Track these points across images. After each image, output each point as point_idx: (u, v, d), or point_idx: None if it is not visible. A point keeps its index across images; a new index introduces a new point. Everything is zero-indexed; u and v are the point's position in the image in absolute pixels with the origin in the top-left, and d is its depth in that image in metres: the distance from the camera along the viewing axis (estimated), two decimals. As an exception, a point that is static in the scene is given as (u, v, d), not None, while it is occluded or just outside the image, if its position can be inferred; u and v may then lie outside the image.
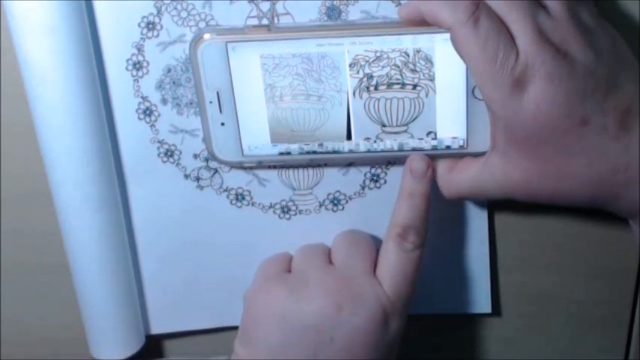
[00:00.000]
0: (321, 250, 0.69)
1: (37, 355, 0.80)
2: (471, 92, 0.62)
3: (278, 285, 0.66)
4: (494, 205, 0.71)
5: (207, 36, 0.62)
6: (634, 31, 0.64)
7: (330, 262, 0.68)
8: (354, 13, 0.64)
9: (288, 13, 0.64)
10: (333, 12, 0.64)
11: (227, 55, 0.63)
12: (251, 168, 0.69)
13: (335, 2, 0.63)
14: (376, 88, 0.63)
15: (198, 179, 0.70)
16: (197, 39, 0.62)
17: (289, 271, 0.68)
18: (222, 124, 0.65)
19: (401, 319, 0.66)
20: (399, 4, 0.63)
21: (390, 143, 0.65)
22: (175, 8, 0.64)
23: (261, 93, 0.64)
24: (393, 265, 0.65)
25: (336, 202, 0.71)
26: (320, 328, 0.63)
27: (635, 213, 0.59)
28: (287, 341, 0.64)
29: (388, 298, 0.64)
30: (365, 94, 0.63)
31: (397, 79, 0.62)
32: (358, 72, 0.62)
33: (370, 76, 0.62)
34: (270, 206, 0.71)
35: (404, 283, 0.65)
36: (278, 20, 0.64)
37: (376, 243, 0.69)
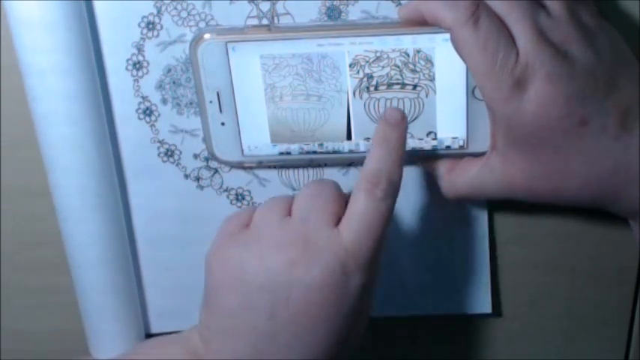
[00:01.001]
0: (282, 202, 0.63)
1: (37, 355, 0.80)
2: (471, 92, 0.62)
3: (233, 244, 0.62)
4: (495, 205, 0.71)
5: (207, 36, 0.62)
6: (634, 31, 0.64)
7: (290, 213, 0.63)
8: (354, 13, 0.64)
9: (288, 13, 0.64)
10: (333, 12, 0.64)
11: (227, 55, 0.63)
12: (251, 168, 0.69)
13: (335, 2, 0.64)
14: (376, 89, 0.63)
15: (198, 179, 0.70)
16: (197, 39, 0.63)
17: (249, 226, 0.64)
18: (223, 124, 0.65)
19: (364, 274, 0.60)
20: (399, 4, 0.63)
21: (390, 144, 0.65)
22: (175, 8, 0.64)
23: (261, 93, 0.64)
24: (359, 215, 0.59)
25: (336, 202, 0.71)
26: (274, 287, 0.59)
27: (635, 213, 0.59)
28: (243, 303, 0.60)
29: (348, 252, 0.59)
30: (365, 94, 0.63)
31: (397, 80, 0.62)
32: (358, 72, 0.62)
33: (370, 77, 0.62)
34: (270, 206, 0.71)
35: (369, 235, 0.59)
36: (278, 20, 0.64)
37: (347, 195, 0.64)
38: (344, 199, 0.62)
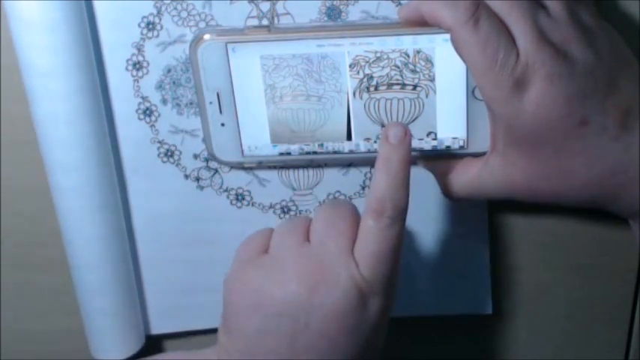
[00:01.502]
0: (299, 227, 0.64)
1: (37, 355, 0.80)
2: (471, 93, 0.62)
3: (252, 270, 0.62)
4: (495, 205, 0.71)
5: (207, 37, 0.62)
6: (634, 31, 0.64)
7: (308, 239, 0.63)
8: (354, 13, 0.64)
9: (288, 13, 0.64)
10: (333, 12, 0.64)
11: (227, 56, 0.63)
12: (251, 168, 0.69)
13: (335, 2, 0.63)
14: (376, 89, 0.63)
15: (198, 179, 0.70)
16: (197, 40, 0.62)
17: (267, 250, 0.64)
18: (223, 124, 0.65)
19: (381, 300, 0.61)
20: (399, 4, 0.63)
21: (390, 143, 0.65)
22: (175, 8, 0.64)
23: (261, 94, 0.64)
24: (370, 243, 0.60)
25: (336, 202, 0.71)
26: (294, 313, 0.60)
27: (635, 213, 0.59)
28: (263, 329, 0.61)
29: (364, 279, 0.60)
30: (365, 95, 0.63)
31: (397, 80, 0.62)
32: (358, 72, 0.62)
33: (370, 77, 0.62)
34: (271, 206, 0.71)
35: (381, 261, 0.60)
36: (278, 20, 0.64)
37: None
38: (358, 223, 0.62)
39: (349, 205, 0.64)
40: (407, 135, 0.60)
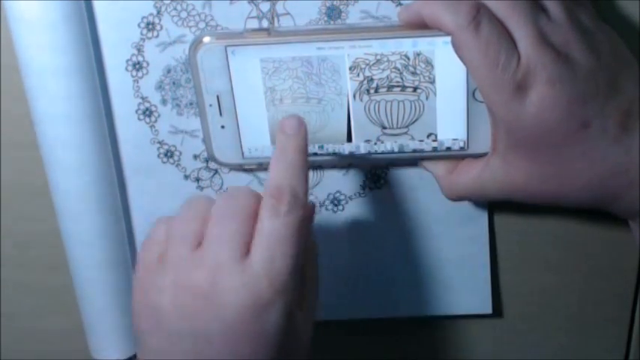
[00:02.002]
0: (194, 225, 0.60)
1: (37, 355, 0.80)
2: (471, 94, 0.62)
3: (148, 285, 0.59)
4: (495, 206, 0.71)
5: (206, 40, 0.62)
6: (634, 32, 0.64)
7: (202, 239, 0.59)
8: (354, 13, 0.64)
9: (288, 14, 0.64)
10: (333, 12, 0.64)
11: (227, 59, 0.62)
12: (251, 170, 0.69)
13: (335, 2, 0.63)
14: (376, 91, 0.63)
15: (198, 180, 0.70)
16: (197, 43, 0.62)
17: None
18: (223, 127, 0.65)
19: (285, 298, 0.57)
20: (399, 4, 0.63)
21: (390, 145, 0.65)
22: (175, 9, 0.64)
23: (261, 96, 0.64)
24: (267, 234, 0.57)
25: (336, 202, 0.71)
26: (193, 330, 0.57)
27: (635, 214, 0.59)
28: (166, 347, 0.58)
29: (261, 280, 0.56)
30: (365, 97, 0.63)
31: (397, 82, 0.62)
32: (358, 75, 0.62)
33: (370, 79, 0.62)
34: (270, 207, 0.71)
35: (281, 255, 0.57)
36: (278, 20, 0.64)
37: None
38: (257, 212, 0.59)
39: (245, 197, 0.60)
40: (301, 125, 0.59)
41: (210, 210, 0.60)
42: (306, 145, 0.59)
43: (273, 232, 0.57)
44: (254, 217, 0.58)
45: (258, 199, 0.59)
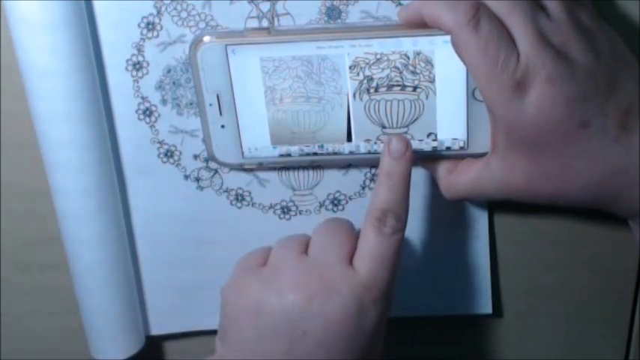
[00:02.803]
0: (298, 240, 0.67)
1: (37, 355, 0.80)
2: (471, 94, 0.62)
3: (251, 279, 0.64)
4: (495, 205, 0.71)
5: (207, 39, 0.62)
6: (634, 32, 0.64)
7: (307, 252, 0.65)
8: (354, 13, 0.64)
9: (288, 14, 0.64)
10: (333, 12, 0.64)
11: (227, 58, 0.62)
12: (251, 170, 0.69)
13: (335, 2, 0.63)
14: (376, 90, 0.63)
15: (198, 180, 0.70)
16: (197, 42, 0.62)
17: (266, 263, 0.66)
18: (223, 126, 0.65)
19: (380, 307, 0.62)
20: (399, 4, 0.63)
21: (390, 145, 0.65)
22: (175, 9, 0.64)
23: (261, 95, 0.64)
24: (371, 249, 0.62)
25: (336, 202, 0.71)
26: (292, 322, 0.61)
27: (635, 214, 0.59)
28: (260, 336, 0.62)
29: (364, 286, 0.61)
30: (365, 96, 0.63)
31: (397, 81, 0.62)
32: (358, 74, 0.62)
33: (370, 79, 0.62)
34: (271, 207, 0.71)
35: (382, 267, 0.62)
36: (278, 20, 0.64)
37: (359, 231, 0.66)
38: (356, 237, 0.64)
39: (346, 221, 0.68)
40: (408, 149, 0.61)
41: (312, 234, 0.67)
42: (410, 170, 0.62)
43: (377, 247, 0.62)
44: (355, 237, 0.64)
45: (354, 228, 0.67)
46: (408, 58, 0.61)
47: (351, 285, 0.61)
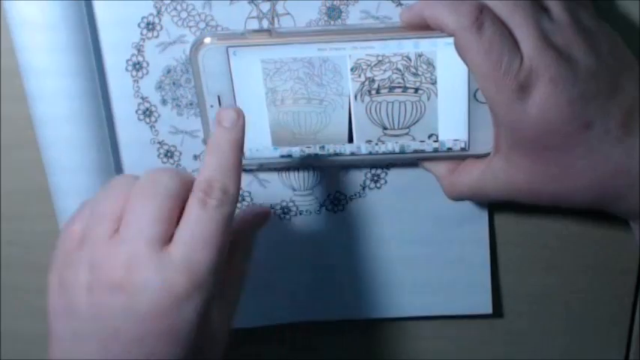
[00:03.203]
0: (113, 206, 0.57)
1: (37, 355, 0.80)
2: (472, 95, 0.62)
3: (65, 270, 0.58)
4: (495, 206, 0.71)
5: (208, 41, 0.62)
6: (634, 32, 0.64)
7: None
8: (354, 13, 0.64)
9: (288, 14, 0.64)
10: (333, 12, 0.64)
11: (228, 59, 0.62)
12: (252, 170, 0.69)
13: (335, 2, 0.63)
14: (378, 92, 0.63)
15: (198, 180, 0.70)
16: (198, 44, 0.62)
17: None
18: (224, 127, 0.65)
19: (203, 294, 0.55)
20: (399, 4, 0.63)
21: (391, 146, 0.65)
22: (175, 9, 0.64)
23: (262, 97, 0.64)
24: (191, 228, 0.55)
25: (336, 202, 0.71)
26: (101, 318, 0.55)
27: (636, 214, 0.59)
28: (75, 335, 0.57)
29: (177, 272, 0.54)
30: (366, 98, 0.63)
31: (399, 83, 0.62)
32: (360, 76, 0.62)
33: (372, 80, 0.62)
34: (271, 207, 0.71)
35: (203, 248, 0.55)
36: (278, 21, 0.64)
37: None
38: (182, 199, 0.57)
39: (170, 179, 0.57)
40: (239, 118, 0.58)
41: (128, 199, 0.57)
42: (242, 140, 0.58)
43: (198, 224, 0.55)
44: (179, 202, 0.56)
45: (186, 184, 0.57)
46: (410, 59, 0.61)
47: (161, 271, 0.54)
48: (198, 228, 0.55)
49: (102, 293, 0.55)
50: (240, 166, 0.58)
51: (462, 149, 0.64)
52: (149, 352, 0.55)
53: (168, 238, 0.55)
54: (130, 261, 0.54)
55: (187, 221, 0.55)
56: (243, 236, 0.64)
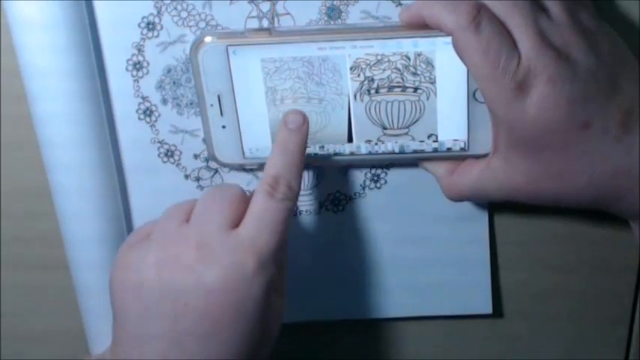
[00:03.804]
0: (182, 210, 0.63)
1: (37, 355, 0.80)
2: (472, 95, 0.62)
3: (132, 254, 0.62)
4: (495, 206, 0.71)
5: (208, 40, 0.62)
6: (634, 32, 0.64)
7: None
8: (354, 13, 0.64)
9: (288, 14, 0.64)
10: (333, 12, 0.64)
11: (228, 58, 0.62)
12: (252, 170, 0.69)
13: (335, 2, 0.63)
14: (377, 91, 0.63)
15: (198, 179, 0.70)
16: (198, 43, 0.62)
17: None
18: (224, 126, 0.65)
19: (267, 272, 0.60)
20: (399, 4, 0.63)
21: (391, 146, 0.65)
22: (175, 8, 0.64)
23: (262, 96, 0.64)
24: (258, 212, 0.60)
25: (336, 202, 0.71)
26: (171, 294, 0.59)
27: (635, 214, 0.59)
28: (144, 313, 0.60)
29: (246, 250, 0.59)
30: (366, 97, 0.63)
31: (398, 82, 0.62)
32: (359, 75, 0.62)
33: (371, 79, 0.62)
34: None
35: (268, 231, 0.60)
36: (278, 20, 0.64)
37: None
38: (246, 203, 0.62)
39: (235, 187, 0.64)
40: (305, 122, 0.62)
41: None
42: (306, 142, 0.62)
43: (265, 211, 0.61)
44: (242, 205, 0.62)
45: (245, 195, 0.64)
46: (409, 59, 0.61)
47: (231, 250, 0.59)
48: (265, 215, 0.60)
49: (172, 270, 0.59)
50: (303, 165, 0.63)
51: (462, 149, 0.64)
52: (216, 325, 0.59)
53: (235, 224, 0.61)
54: (200, 241, 0.60)
55: (254, 209, 0.61)
56: None
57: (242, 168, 0.68)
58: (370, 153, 0.65)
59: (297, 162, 0.62)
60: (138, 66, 0.66)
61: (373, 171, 0.69)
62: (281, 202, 0.61)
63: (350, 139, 0.65)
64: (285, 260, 0.63)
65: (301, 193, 0.69)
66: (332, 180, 0.70)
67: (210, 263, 0.59)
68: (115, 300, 0.62)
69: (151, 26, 0.65)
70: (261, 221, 0.60)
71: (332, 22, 0.64)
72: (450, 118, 0.63)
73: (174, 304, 0.59)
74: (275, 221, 0.60)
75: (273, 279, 0.61)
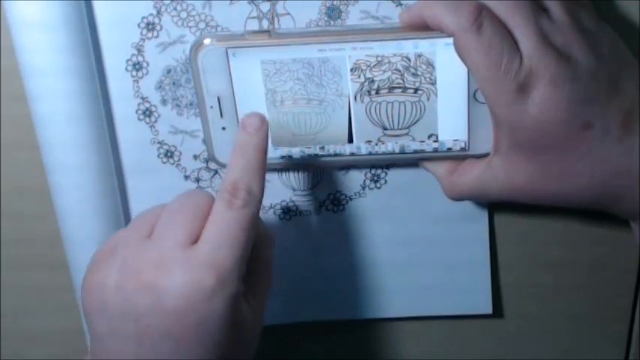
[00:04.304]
0: (145, 221, 0.61)
1: (37, 355, 0.80)
2: (472, 95, 0.62)
3: (96, 275, 0.59)
4: (495, 206, 0.71)
5: (207, 41, 0.62)
6: (634, 32, 0.64)
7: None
8: (354, 13, 0.64)
9: (288, 14, 0.64)
10: (333, 12, 0.64)
11: (228, 60, 0.62)
12: (252, 170, 0.69)
13: (335, 2, 0.63)
14: (377, 92, 0.63)
15: (198, 180, 0.70)
16: (197, 45, 0.62)
17: None
18: (223, 128, 0.65)
19: (229, 288, 0.57)
20: (399, 4, 0.63)
21: (391, 146, 0.65)
22: (175, 9, 0.64)
23: (262, 98, 0.64)
24: (218, 225, 0.58)
25: (336, 202, 0.71)
26: (133, 314, 0.57)
27: (636, 214, 0.59)
28: (110, 332, 0.58)
29: (204, 266, 0.56)
30: (366, 98, 0.63)
31: (398, 83, 0.62)
32: (359, 76, 0.62)
33: (371, 80, 0.62)
34: (271, 207, 0.71)
35: (228, 244, 0.57)
36: (278, 21, 0.64)
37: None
38: (208, 213, 0.60)
39: (202, 196, 0.61)
40: (263, 124, 0.61)
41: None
42: (266, 144, 0.61)
43: (223, 222, 0.58)
44: (205, 213, 0.59)
45: (211, 199, 0.60)
46: (409, 60, 0.61)
47: (189, 269, 0.56)
48: (224, 227, 0.58)
49: (132, 290, 0.57)
50: (264, 168, 0.61)
51: (462, 149, 0.64)
52: (180, 346, 0.57)
53: (195, 239, 0.58)
54: (159, 259, 0.57)
55: (213, 221, 0.58)
56: (262, 226, 0.64)
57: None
58: (370, 153, 0.65)
59: (256, 165, 0.60)
60: (137, 66, 0.66)
61: (373, 171, 0.69)
62: (240, 210, 0.58)
63: (350, 140, 0.65)
64: (261, 267, 0.62)
65: (301, 193, 0.69)
66: (332, 180, 0.70)
67: (168, 284, 0.56)
68: (85, 318, 0.61)
69: (150, 26, 0.65)
70: (219, 234, 0.58)
71: (332, 23, 0.64)
72: (450, 118, 0.63)
73: (136, 324, 0.57)
74: (234, 233, 0.58)
75: (239, 291, 0.58)
